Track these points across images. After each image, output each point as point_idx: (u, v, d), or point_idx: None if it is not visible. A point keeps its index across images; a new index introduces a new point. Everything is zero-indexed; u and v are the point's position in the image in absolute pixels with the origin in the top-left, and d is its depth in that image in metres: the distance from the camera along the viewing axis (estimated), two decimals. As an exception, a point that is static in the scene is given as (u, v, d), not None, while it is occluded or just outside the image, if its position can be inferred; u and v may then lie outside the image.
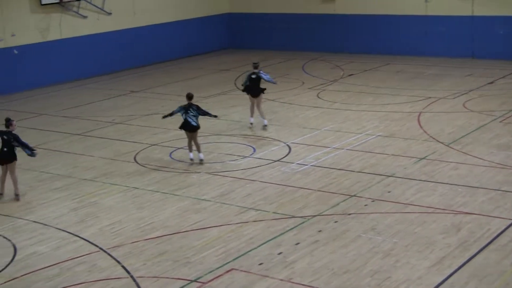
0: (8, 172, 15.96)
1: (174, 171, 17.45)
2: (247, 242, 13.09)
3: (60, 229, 14.12)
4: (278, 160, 17.84)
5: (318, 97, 24.61)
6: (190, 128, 17.60)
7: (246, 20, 36.52)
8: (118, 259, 12.58)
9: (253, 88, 20.47)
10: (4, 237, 13.81)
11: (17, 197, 15.97)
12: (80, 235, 13.76)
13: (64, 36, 29.93)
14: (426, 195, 15.06)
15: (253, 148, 18.99)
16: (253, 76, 20.41)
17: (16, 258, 12.88)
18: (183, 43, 34.85)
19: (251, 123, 20.78)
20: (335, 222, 13.85)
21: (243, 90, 20.95)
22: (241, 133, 20.49)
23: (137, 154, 19.00)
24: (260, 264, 12.18)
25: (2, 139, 15.92)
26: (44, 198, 15.99)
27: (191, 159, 17.84)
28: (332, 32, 33.85)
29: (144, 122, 22.32)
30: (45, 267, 12.41)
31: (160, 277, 11.82)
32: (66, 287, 11.66)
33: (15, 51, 28.14)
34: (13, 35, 28.06)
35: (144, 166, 17.93)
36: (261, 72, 20.63)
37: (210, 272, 11.94)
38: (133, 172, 17.54)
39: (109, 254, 12.83)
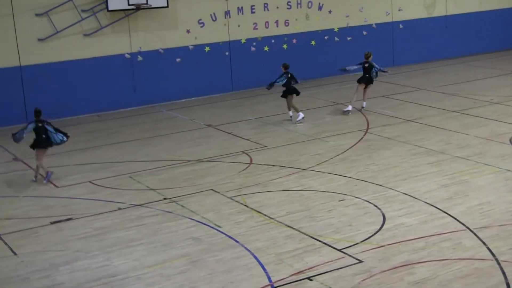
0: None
1: (552, 157, 16.77)
2: None
3: (428, 204, 14.32)
4: None
5: None
6: None
7: None
8: (484, 240, 12.45)
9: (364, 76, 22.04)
10: (375, 206, 14.37)
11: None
12: (448, 212, 13.84)
13: (449, 13, 29.97)
14: None
15: None
16: (366, 65, 21.91)
17: (384, 227, 13.31)
18: None
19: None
20: None
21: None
22: None
23: (513, 136, 18.58)
24: None
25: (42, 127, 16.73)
26: (417, 171, 16.29)
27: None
28: None
29: (524, 104, 21.69)
30: (411, 239, 12.68)
31: (526, 264, 11.51)
32: (430, 261, 11.83)
33: (372, 25, 28.86)
34: (399, 10, 28.78)
35: (520, 149, 17.47)
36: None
37: None
38: (507, 154, 17.14)
39: (475, 234, 12.74)
